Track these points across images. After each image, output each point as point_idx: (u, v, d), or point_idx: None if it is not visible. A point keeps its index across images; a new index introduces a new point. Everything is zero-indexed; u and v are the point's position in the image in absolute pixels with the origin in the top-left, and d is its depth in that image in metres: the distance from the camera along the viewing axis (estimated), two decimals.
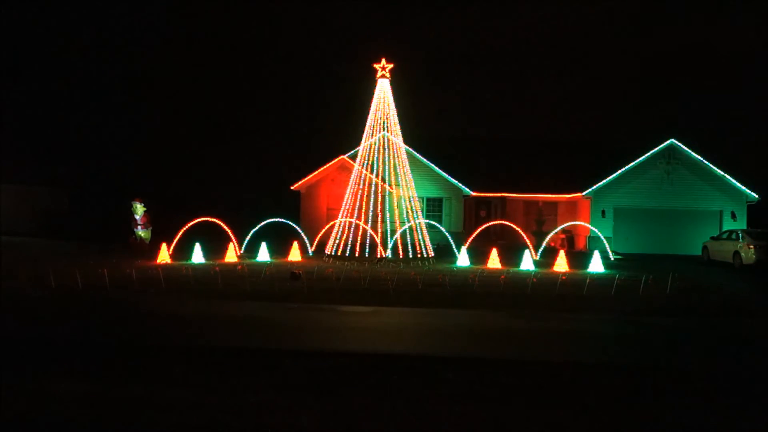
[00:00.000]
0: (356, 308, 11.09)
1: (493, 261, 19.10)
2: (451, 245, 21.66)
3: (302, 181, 29.01)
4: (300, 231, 22.47)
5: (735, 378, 7.11)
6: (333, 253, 20.76)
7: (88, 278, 13.31)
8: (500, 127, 71.31)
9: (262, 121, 65.45)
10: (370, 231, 20.39)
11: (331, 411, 5.57)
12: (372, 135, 21.78)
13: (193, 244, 18.96)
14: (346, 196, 22.05)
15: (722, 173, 26.76)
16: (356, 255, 20.23)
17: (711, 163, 26.83)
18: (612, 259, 21.12)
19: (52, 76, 62.32)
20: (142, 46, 76.46)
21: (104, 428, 5.17)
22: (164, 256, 18.53)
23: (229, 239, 19.78)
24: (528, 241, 21.28)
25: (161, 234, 20.85)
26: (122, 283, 13.21)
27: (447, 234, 23.18)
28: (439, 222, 28.04)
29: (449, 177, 29.25)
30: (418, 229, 21.27)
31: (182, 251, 19.33)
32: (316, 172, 28.70)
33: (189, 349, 7.78)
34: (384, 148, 21.48)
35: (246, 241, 20.66)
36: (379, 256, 20.08)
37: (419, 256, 20.57)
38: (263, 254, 19.92)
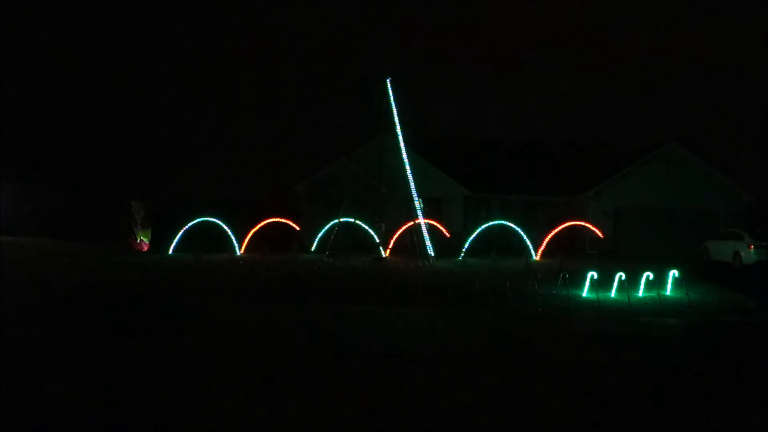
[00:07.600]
0: (356, 308, 11.09)
1: (494, 261, 19.11)
2: (450, 245, 21.66)
3: (302, 181, 28.97)
4: (300, 231, 22.47)
5: (735, 378, 7.12)
6: (333, 253, 20.76)
7: (88, 278, 13.32)
8: (501, 127, 71.36)
9: (263, 122, 65.50)
10: (370, 231, 20.40)
11: (331, 411, 5.58)
12: (372, 135, 21.80)
13: (194, 244, 18.98)
14: (346, 196, 22.06)
15: (722, 174, 26.76)
16: (356, 255, 20.24)
17: (710, 164, 26.83)
18: (612, 259, 21.12)
19: (53, 76, 62.33)
20: (142, 46, 76.51)
21: (103, 428, 5.17)
22: (164, 255, 18.55)
23: (230, 239, 19.80)
24: (528, 241, 21.29)
25: (161, 234, 20.86)
26: (122, 282, 13.22)
27: (447, 234, 23.17)
28: (439, 222, 28.04)
29: (449, 177, 29.20)
30: (418, 230, 21.28)
31: (182, 251, 19.35)
32: (317, 173, 28.66)
33: (189, 349, 7.79)
34: (384, 149, 21.49)
35: (246, 241, 20.67)
36: (379, 256, 20.09)
37: (419, 256, 20.58)
38: (262, 254, 19.93)
